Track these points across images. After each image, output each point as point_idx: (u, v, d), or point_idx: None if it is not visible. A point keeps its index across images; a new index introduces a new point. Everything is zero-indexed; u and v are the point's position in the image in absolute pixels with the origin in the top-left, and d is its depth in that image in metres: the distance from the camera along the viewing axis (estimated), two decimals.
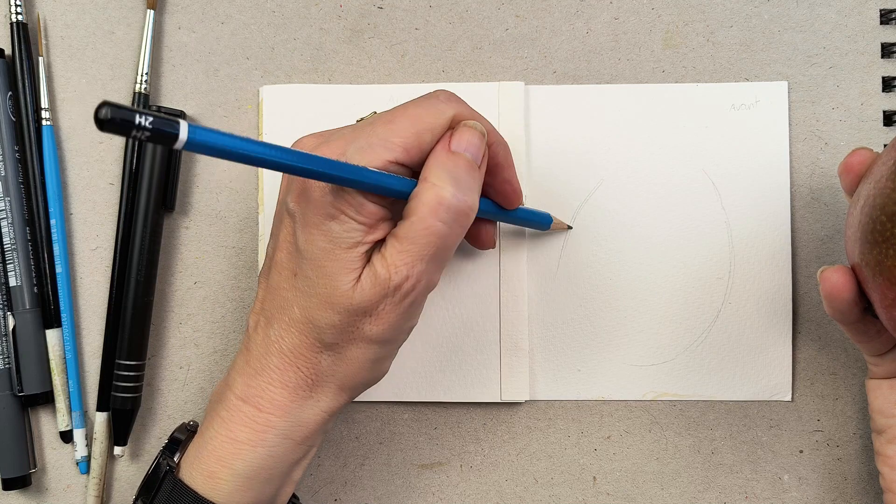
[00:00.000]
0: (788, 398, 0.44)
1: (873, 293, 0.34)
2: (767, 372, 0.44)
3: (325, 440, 0.45)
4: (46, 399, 0.45)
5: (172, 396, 0.46)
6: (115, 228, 0.45)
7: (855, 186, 0.37)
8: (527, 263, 0.45)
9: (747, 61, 0.45)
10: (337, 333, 0.35)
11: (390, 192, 0.33)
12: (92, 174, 0.46)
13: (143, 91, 0.45)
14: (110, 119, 0.24)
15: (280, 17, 0.46)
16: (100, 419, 0.45)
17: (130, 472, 0.46)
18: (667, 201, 0.45)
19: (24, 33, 0.45)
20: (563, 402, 0.45)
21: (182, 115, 0.45)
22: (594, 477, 0.45)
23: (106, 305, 0.45)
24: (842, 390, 0.45)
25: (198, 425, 0.40)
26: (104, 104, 0.24)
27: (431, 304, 0.44)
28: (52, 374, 0.45)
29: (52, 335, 0.45)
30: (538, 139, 0.45)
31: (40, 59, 0.45)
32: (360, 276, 0.34)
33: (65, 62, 0.46)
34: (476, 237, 0.42)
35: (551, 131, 0.45)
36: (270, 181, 0.45)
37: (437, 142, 0.35)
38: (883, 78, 0.45)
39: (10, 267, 0.44)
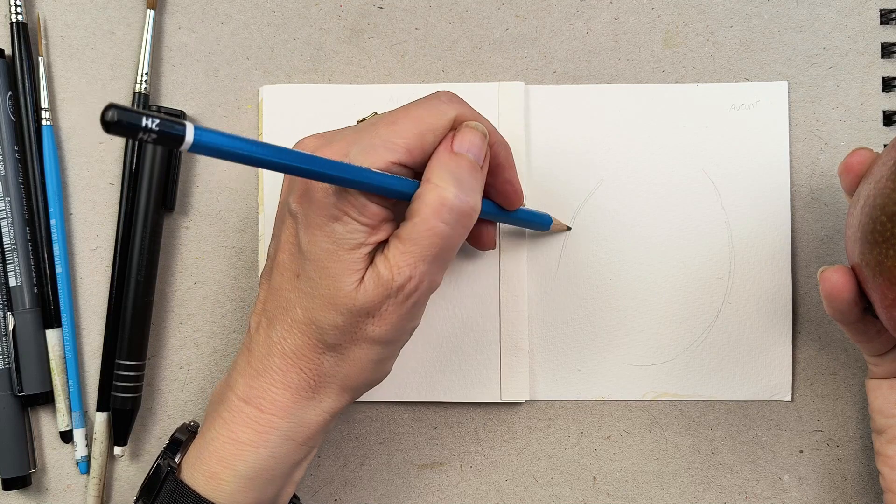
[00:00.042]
0: (788, 398, 0.44)
1: (873, 293, 0.34)
2: (767, 372, 0.44)
3: (326, 440, 0.45)
4: (46, 399, 0.45)
5: (172, 396, 0.46)
6: (115, 228, 0.45)
7: (855, 186, 0.37)
8: (527, 263, 0.45)
9: (747, 61, 0.45)
10: (339, 334, 0.35)
11: (393, 194, 0.33)
12: (92, 174, 0.46)
13: (143, 91, 0.45)
14: (117, 121, 0.24)
15: (280, 17, 0.46)
16: (100, 419, 0.45)
17: (130, 472, 0.46)
18: (667, 201, 0.45)
19: (24, 33, 0.45)
20: (563, 402, 0.45)
21: (182, 115, 0.45)
22: (594, 477, 0.45)
23: (106, 305, 0.45)
24: (842, 390, 0.45)
25: (198, 426, 0.40)
26: (111, 107, 0.24)
27: (432, 304, 0.44)
28: (52, 374, 0.45)
29: (52, 335, 0.45)
30: (538, 139, 0.45)
31: (40, 59, 0.45)
32: (363, 277, 0.34)
33: (65, 62, 0.46)
34: (477, 238, 0.42)
35: (551, 131, 0.45)
36: (270, 181, 0.45)
37: (440, 143, 0.35)
38: (883, 78, 0.45)
39: (10, 267, 0.44)
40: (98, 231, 0.46)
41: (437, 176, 0.34)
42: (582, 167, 0.45)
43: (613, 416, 0.45)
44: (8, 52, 0.45)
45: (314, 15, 0.46)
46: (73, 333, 0.45)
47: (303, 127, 0.45)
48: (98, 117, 0.46)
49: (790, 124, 0.45)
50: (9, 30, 0.45)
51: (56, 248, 0.45)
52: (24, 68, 0.45)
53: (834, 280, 0.36)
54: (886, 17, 0.45)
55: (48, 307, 0.45)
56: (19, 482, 0.44)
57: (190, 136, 0.26)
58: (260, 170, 0.45)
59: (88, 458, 0.45)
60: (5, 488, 0.44)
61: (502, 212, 0.40)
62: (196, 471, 0.36)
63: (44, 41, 0.46)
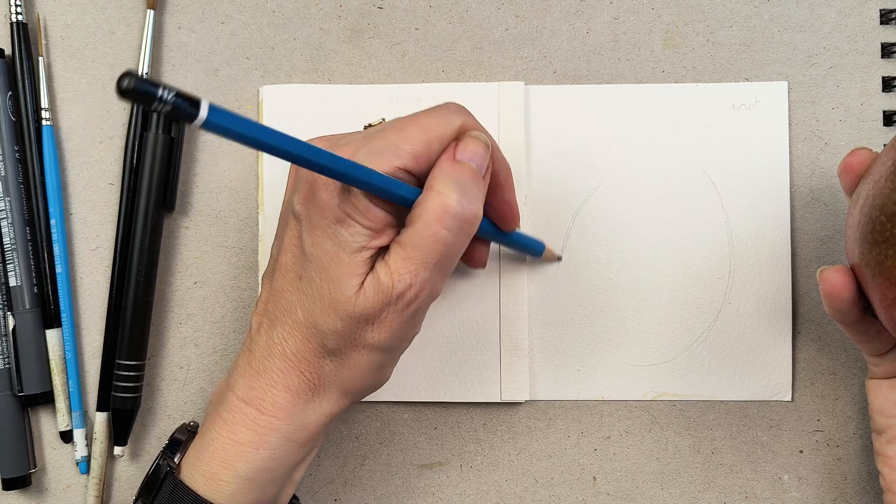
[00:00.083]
0: (788, 398, 0.44)
1: (873, 293, 0.34)
2: (767, 372, 0.44)
3: (326, 440, 0.45)
4: (46, 399, 0.45)
5: (172, 396, 0.46)
6: (115, 228, 0.45)
7: (854, 186, 0.37)
8: (527, 264, 0.45)
9: (747, 61, 0.45)
10: (339, 339, 0.35)
11: (396, 198, 0.33)
12: (92, 174, 0.46)
13: None
14: (133, 89, 0.24)
15: (280, 17, 0.46)
16: (100, 419, 0.45)
17: (130, 472, 0.46)
18: (667, 201, 0.45)
19: (24, 33, 0.45)
20: (563, 402, 0.45)
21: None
22: (594, 477, 0.45)
23: (106, 305, 0.45)
24: (842, 390, 0.45)
25: (198, 426, 0.40)
26: (127, 74, 0.24)
27: (432, 303, 0.44)
28: (52, 374, 0.45)
29: (52, 335, 0.45)
30: (538, 139, 0.45)
31: (40, 59, 0.45)
32: (363, 281, 0.34)
33: (65, 62, 0.46)
34: (469, 255, 0.42)
35: (551, 131, 0.45)
36: (270, 181, 0.45)
37: (444, 152, 0.35)
38: (883, 78, 0.45)
39: (10, 267, 0.44)
40: (98, 231, 0.46)
41: (440, 183, 0.34)
42: (582, 167, 0.45)
43: (613, 416, 0.45)
44: (8, 52, 0.45)
45: (314, 15, 0.46)
46: (73, 333, 0.45)
47: (303, 127, 0.45)
48: (98, 117, 0.46)
49: (790, 124, 0.45)
50: (9, 30, 0.45)
51: (56, 248, 0.45)
52: (24, 68, 0.45)
53: (833, 280, 0.36)
54: (886, 17, 0.45)
55: (48, 307, 0.45)
56: (19, 482, 0.44)
57: (204, 112, 0.26)
58: (260, 170, 0.45)
59: (88, 458, 0.45)
60: (5, 488, 0.44)
61: (498, 232, 0.40)
62: (196, 471, 0.36)
63: (44, 41, 0.46)
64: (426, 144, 0.34)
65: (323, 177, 0.34)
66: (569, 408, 0.45)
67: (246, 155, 0.46)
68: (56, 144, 0.45)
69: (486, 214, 0.39)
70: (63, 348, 0.45)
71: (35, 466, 0.45)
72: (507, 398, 0.45)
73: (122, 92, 0.24)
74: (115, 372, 0.44)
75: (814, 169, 0.45)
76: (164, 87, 0.25)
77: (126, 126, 0.45)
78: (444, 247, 0.33)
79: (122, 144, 0.46)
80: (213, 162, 0.46)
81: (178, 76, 0.46)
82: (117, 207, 0.45)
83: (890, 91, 0.45)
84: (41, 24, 0.46)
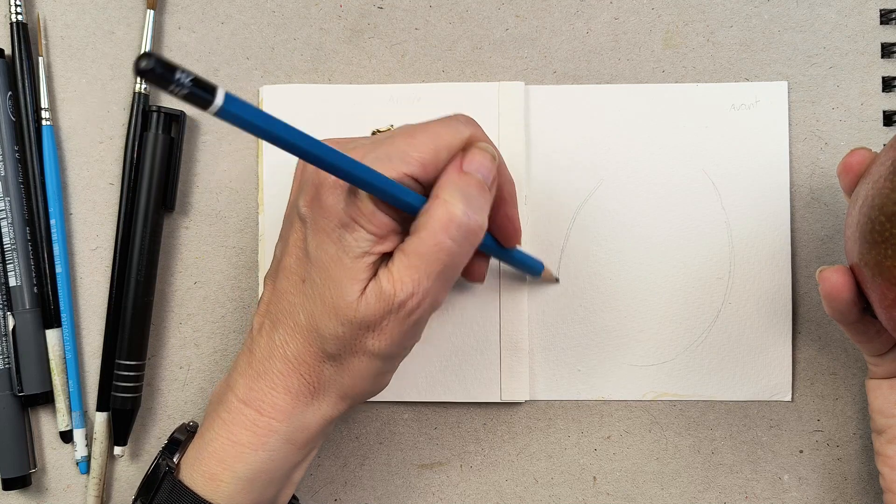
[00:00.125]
0: (788, 398, 0.44)
1: (872, 293, 0.34)
2: (767, 372, 0.44)
3: (325, 440, 0.45)
4: (46, 399, 0.45)
5: (172, 396, 0.46)
6: (115, 228, 0.45)
7: (854, 186, 0.37)
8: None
9: (747, 61, 0.45)
10: (340, 344, 0.35)
11: (403, 204, 0.33)
12: (92, 174, 0.46)
13: (143, 91, 0.45)
14: (151, 69, 0.24)
15: (280, 17, 0.46)
16: (100, 419, 0.45)
17: (130, 472, 0.46)
18: (667, 201, 0.45)
19: (24, 33, 0.45)
20: (563, 402, 0.45)
21: (182, 114, 0.45)
22: (594, 477, 0.45)
23: (106, 305, 0.45)
24: (842, 390, 0.45)
25: (197, 426, 0.40)
26: (147, 54, 0.24)
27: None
28: (52, 374, 0.45)
29: (52, 335, 0.45)
30: (538, 139, 0.45)
31: (40, 59, 0.45)
32: (365, 287, 0.34)
33: (65, 62, 0.46)
34: (468, 268, 0.41)
35: (551, 131, 0.45)
36: (270, 181, 0.45)
37: (451, 161, 0.35)
38: (883, 78, 0.45)
39: (10, 267, 0.44)
40: (98, 231, 0.46)
41: (446, 192, 0.33)
42: (582, 167, 0.45)
43: (613, 416, 0.45)
44: (8, 52, 0.45)
45: (314, 15, 0.46)
46: (73, 333, 0.45)
47: (303, 127, 0.44)
48: (98, 117, 0.46)
49: (790, 124, 0.45)
50: (9, 30, 0.45)
51: (56, 248, 0.45)
52: (24, 68, 0.45)
53: (833, 280, 0.36)
54: (886, 17, 0.45)
55: (48, 307, 0.45)
56: (19, 482, 0.44)
57: (219, 99, 0.26)
58: (260, 170, 0.45)
59: (88, 458, 0.45)
60: (5, 488, 0.44)
61: (498, 247, 0.40)
62: (195, 471, 0.36)
63: (44, 41, 0.46)
64: (434, 153, 0.34)
65: (329, 180, 0.34)
66: (569, 408, 0.45)
67: (246, 155, 0.46)
68: (56, 144, 0.45)
69: (487, 229, 0.39)
70: (63, 348, 0.45)
71: (35, 466, 0.45)
72: (507, 398, 0.45)
73: (140, 72, 0.24)
74: (115, 372, 0.44)
75: (814, 169, 0.45)
76: (182, 71, 0.25)
77: (126, 126, 0.45)
78: (447, 256, 0.33)
79: (122, 144, 0.46)
80: (213, 162, 0.46)
81: None
82: (117, 207, 0.45)
83: (890, 91, 0.45)
84: (41, 24, 0.46)
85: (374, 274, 0.34)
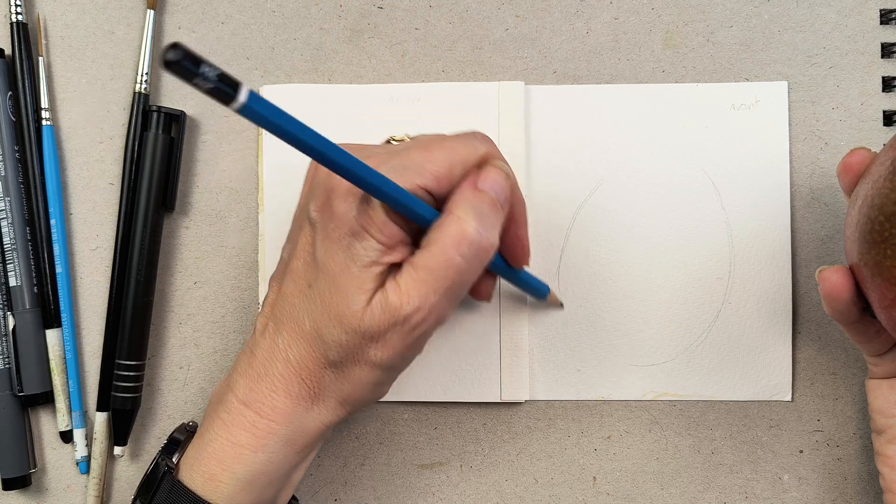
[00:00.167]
0: (788, 398, 0.44)
1: (872, 293, 0.34)
2: (767, 372, 0.44)
3: (325, 442, 0.45)
4: (46, 399, 0.45)
5: (172, 396, 0.46)
6: (115, 228, 0.45)
7: (853, 186, 0.37)
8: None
9: (747, 61, 0.45)
10: (342, 352, 0.35)
11: (416, 216, 0.33)
12: (92, 174, 0.46)
13: (143, 91, 0.45)
14: (177, 62, 0.24)
15: (280, 17, 0.46)
16: (100, 419, 0.45)
17: (130, 472, 0.46)
18: (667, 201, 0.45)
19: (24, 33, 0.45)
20: (563, 402, 0.45)
21: (182, 115, 0.45)
22: (594, 477, 0.45)
23: (106, 305, 0.45)
24: (842, 390, 0.45)
25: (197, 426, 0.40)
26: (175, 45, 0.24)
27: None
28: (52, 374, 0.45)
29: (52, 335, 0.45)
30: (538, 139, 0.45)
31: (40, 59, 0.45)
32: (371, 297, 0.34)
33: (65, 62, 0.46)
34: (475, 287, 0.41)
35: (551, 131, 0.45)
36: (270, 181, 0.45)
37: (465, 178, 0.35)
38: (883, 78, 0.45)
39: (10, 267, 0.44)
40: (98, 231, 0.46)
41: (460, 209, 0.33)
42: (582, 167, 0.45)
43: (613, 416, 0.45)
44: (8, 52, 0.45)
45: (314, 15, 0.46)
46: (73, 333, 0.45)
47: None
48: (98, 117, 0.46)
49: (790, 124, 0.45)
50: (9, 30, 0.45)
51: (56, 248, 0.45)
52: (24, 68, 0.45)
53: (833, 280, 0.36)
54: (886, 17, 0.45)
55: (48, 307, 0.45)
56: (19, 482, 0.44)
57: (243, 97, 0.26)
58: (260, 170, 0.45)
59: (88, 458, 0.45)
60: (5, 488, 0.44)
61: (506, 267, 0.40)
62: (194, 471, 0.36)
63: (44, 41, 0.46)
64: (449, 168, 0.34)
65: (341, 187, 0.34)
66: (569, 408, 0.45)
67: (246, 155, 0.46)
68: (56, 144, 0.45)
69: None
70: (63, 348, 0.45)
71: (35, 466, 0.45)
72: (507, 398, 0.45)
73: (166, 63, 0.24)
74: (115, 372, 0.44)
75: (814, 169, 0.45)
76: (208, 66, 0.25)
77: (126, 126, 0.45)
78: (457, 273, 0.33)
79: (122, 144, 0.46)
80: (213, 162, 0.46)
81: None
82: (117, 207, 0.45)
83: (890, 91, 0.45)
84: (41, 24, 0.46)
85: (381, 284, 0.34)
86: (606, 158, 0.45)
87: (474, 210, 0.33)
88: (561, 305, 0.45)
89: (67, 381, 0.45)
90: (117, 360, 0.44)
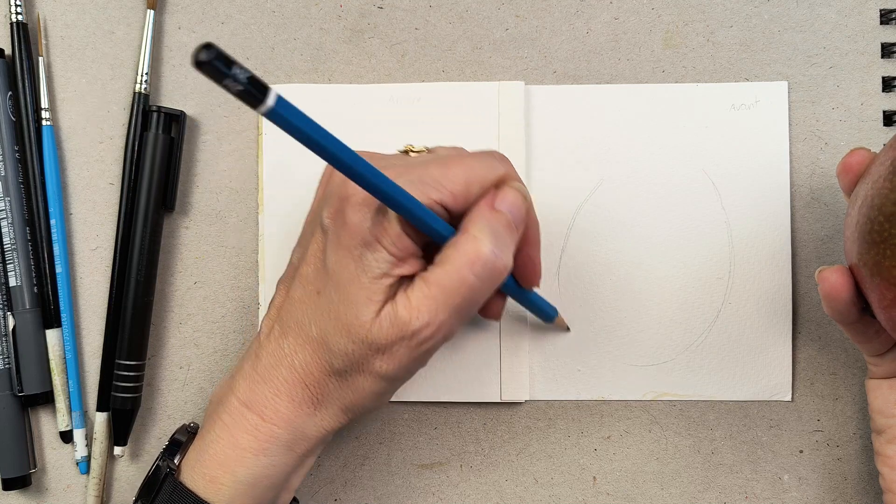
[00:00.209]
0: (788, 398, 0.44)
1: (871, 293, 0.34)
2: (767, 372, 0.44)
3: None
4: (46, 399, 0.45)
5: (172, 396, 0.46)
6: (115, 228, 0.45)
7: (853, 186, 0.37)
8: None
9: (747, 61, 0.45)
10: (348, 362, 0.35)
11: (431, 231, 0.33)
12: (92, 174, 0.46)
13: (143, 91, 0.45)
14: (208, 62, 0.24)
15: (280, 17, 0.46)
16: (100, 419, 0.45)
17: (130, 473, 0.46)
18: (667, 201, 0.45)
19: (24, 33, 0.45)
20: (562, 402, 0.45)
21: (182, 115, 0.45)
22: (594, 477, 0.45)
23: (106, 305, 0.45)
24: (842, 390, 0.45)
25: (198, 427, 0.40)
26: (208, 46, 0.24)
27: None
28: (52, 374, 0.45)
29: (52, 335, 0.45)
30: (538, 139, 0.45)
31: (40, 59, 0.45)
32: (380, 309, 0.34)
33: (65, 62, 0.46)
34: (485, 305, 0.41)
35: (551, 131, 0.45)
36: (271, 181, 0.45)
37: (482, 197, 0.35)
38: (883, 78, 0.45)
39: (10, 267, 0.44)
40: (98, 231, 0.46)
41: (476, 227, 0.33)
42: (582, 167, 0.45)
43: (613, 416, 0.45)
44: (8, 52, 0.45)
45: (314, 15, 0.46)
46: (73, 333, 0.45)
47: None
48: (98, 117, 0.46)
49: (790, 124, 0.45)
50: (9, 30, 0.45)
51: (56, 248, 0.45)
52: (24, 68, 0.45)
53: (832, 280, 0.36)
54: (886, 17, 0.45)
55: (48, 307, 0.45)
56: (19, 482, 0.44)
57: (271, 101, 0.26)
58: (260, 170, 0.45)
59: (88, 458, 0.45)
60: (5, 488, 0.44)
61: (516, 287, 0.40)
62: (196, 473, 0.36)
63: (44, 41, 0.46)
64: (466, 185, 0.34)
65: (356, 196, 0.34)
66: (569, 408, 0.45)
67: (246, 155, 0.46)
68: (56, 144, 0.45)
69: None
70: (63, 348, 0.45)
71: (35, 466, 0.45)
72: (507, 398, 0.45)
73: (198, 63, 0.24)
74: (115, 372, 0.44)
75: (814, 169, 0.45)
76: (240, 68, 0.25)
77: (126, 126, 0.45)
78: (469, 292, 0.33)
79: (122, 144, 0.46)
80: (213, 162, 0.46)
81: (178, 76, 0.46)
82: (117, 207, 0.45)
83: (890, 91, 0.45)
84: (41, 24, 0.46)
85: (390, 296, 0.34)
86: (606, 158, 0.45)
87: (490, 230, 0.33)
88: (567, 329, 0.45)
89: (67, 381, 0.45)
90: (117, 360, 0.44)
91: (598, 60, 0.45)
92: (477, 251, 0.33)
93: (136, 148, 0.45)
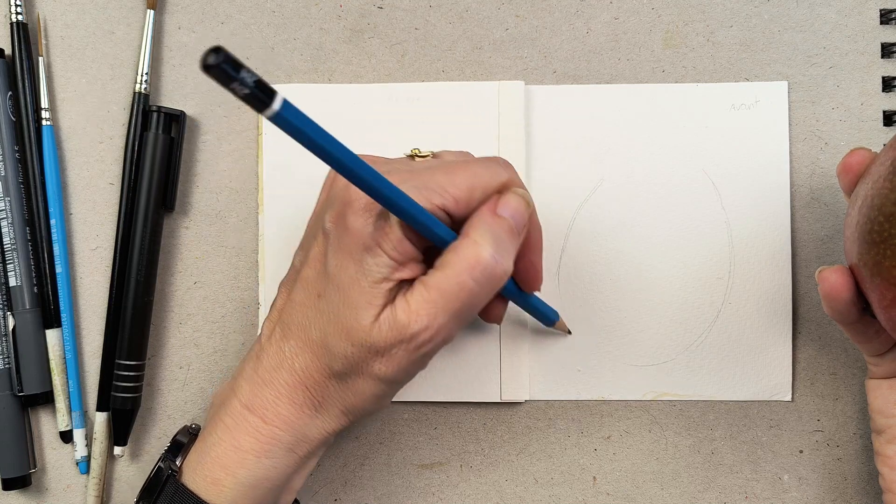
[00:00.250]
0: (788, 398, 0.44)
1: (871, 293, 0.34)
2: (767, 372, 0.44)
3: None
4: (46, 399, 0.45)
5: (172, 396, 0.46)
6: (115, 228, 0.45)
7: (853, 186, 0.37)
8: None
9: (747, 61, 0.45)
10: (348, 364, 0.35)
11: (432, 235, 0.33)
12: (92, 174, 0.46)
13: (143, 91, 0.45)
14: (217, 66, 0.24)
15: (280, 17, 0.46)
16: (100, 419, 0.45)
17: (130, 473, 0.46)
18: (667, 201, 0.45)
19: (24, 33, 0.45)
20: (562, 402, 0.45)
21: (182, 115, 0.45)
22: (594, 477, 0.45)
23: (106, 305, 0.45)
24: (842, 390, 0.45)
25: (199, 428, 0.40)
26: (216, 49, 0.24)
27: None
28: (52, 374, 0.45)
29: (52, 335, 0.45)
30: (538, 139, 0.45)
31: (40, 59, 0.45)
32: (380, 312, 0.34)
33: (65, 62, 0.46)
34: (485, 309, 0.41)
35: (551, 131, 0.45)
36: (271, 181, 0.45)
37: (484, 202, 0.35)
38: (883, 78, 0.45)
39: (10, 267, 0.44)
40: (98, 231, 0.46)
41: (477, 233, 0.34)
42: (582, 167, 0.45)
43: (613, 416, 0.45)
44: (8, 52, 0.45)
45: (314, 15, 0.46)
46: (73, 333, 0.45)
47: None
48: (98, 117, 0.46)
49: (790, 124, 0.45)
50: (9, 30, 0.45)
51: (56, 248, 0.45)
52: (24, 68, 0.45)
53: (832, 280, 0.36)
54: (886, 17, 0.45)
55: (48, 307, 0.45)
56: (19, 482, 0.44)
57: (277, 105, 0.26)
58: (260, 170, 0.45)
59: (88, 458, 0.45)
60: (5, 488, 0.44)
61: (517, 291, 0.40)
62: (197, 475, 0.36)
63: (44, 41, 0.46)
64: (469, 191, 0.34)
65: (359, 201, 0.34)
66: (569, 408, 0.45)
67: (246, 155, 0.46)
68: (56, 144, 0.45)
69: None
70: (63, 348, 0.45)
71: (35, 466, 0.45)
72: (507, 398, 0.45)
73: (206, 66, 0.24)
74: (115, 372, 0.44)
75: (814, 169, 0.45)
76: (248, 72, 0.25)
77: (126, 126, 0.45)
78: (468, 296, 0.33)
79: (122, 144, 0.46)
80: (213, 162, 0.46)
81: (178, 76, 0.46)
82: (117, 207, 0.45)
83: (890, 91, 0.45)
84: (41, 24, 0.46)
85: (390, 300, 0.34)
86: (606, 158, 0.45)
87: (492, 235, 0.34)
88: (569, 332, 0.45)
89: (67, 381, 0.45)
90: (117, 360, 0.44)
91: (598, 60, 0.45)
92: (477, 256, 0.33)
93: (136, 148, 0.45)
